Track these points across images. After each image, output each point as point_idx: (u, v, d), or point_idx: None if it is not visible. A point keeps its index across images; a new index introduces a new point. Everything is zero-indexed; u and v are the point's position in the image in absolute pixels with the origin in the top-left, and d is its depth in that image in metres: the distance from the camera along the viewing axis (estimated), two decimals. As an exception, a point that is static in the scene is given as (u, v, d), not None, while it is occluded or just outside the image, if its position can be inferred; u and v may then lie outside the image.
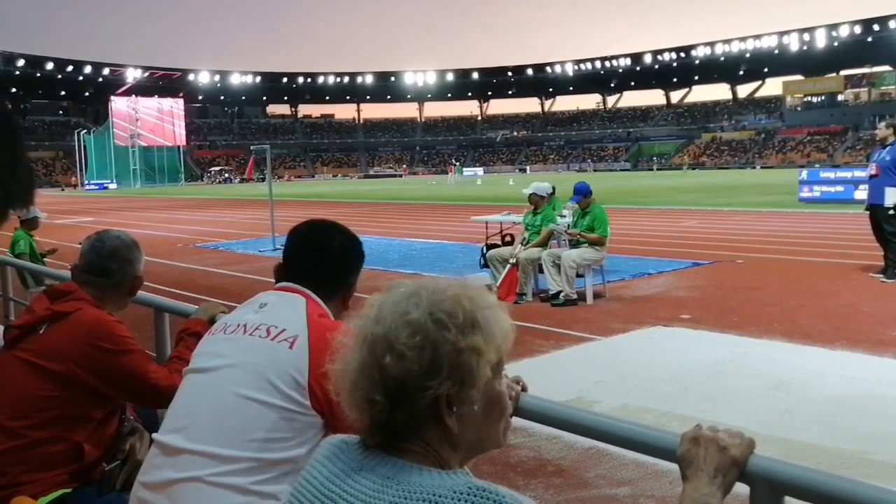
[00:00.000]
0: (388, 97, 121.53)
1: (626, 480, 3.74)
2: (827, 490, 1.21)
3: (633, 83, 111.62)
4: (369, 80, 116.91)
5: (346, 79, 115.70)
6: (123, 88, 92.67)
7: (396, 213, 26.10)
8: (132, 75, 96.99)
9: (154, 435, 1.78)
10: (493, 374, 1.16)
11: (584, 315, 7.91)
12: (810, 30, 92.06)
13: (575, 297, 8.41)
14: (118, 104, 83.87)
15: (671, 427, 1.56)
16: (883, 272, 9.38)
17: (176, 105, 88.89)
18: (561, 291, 8.39)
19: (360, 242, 2.04)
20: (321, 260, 1.93)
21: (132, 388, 2.31)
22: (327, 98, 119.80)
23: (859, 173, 20.71)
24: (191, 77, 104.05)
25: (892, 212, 9.29)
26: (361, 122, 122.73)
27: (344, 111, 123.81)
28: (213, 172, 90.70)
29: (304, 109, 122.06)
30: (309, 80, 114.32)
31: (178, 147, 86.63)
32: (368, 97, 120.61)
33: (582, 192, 8.80)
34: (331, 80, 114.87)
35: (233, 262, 13.11)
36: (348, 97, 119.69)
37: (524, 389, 1.66)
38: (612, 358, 6.28)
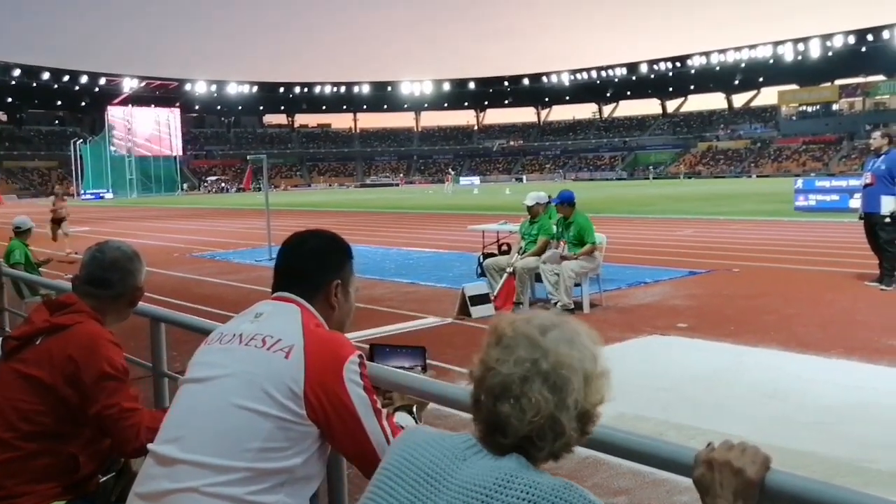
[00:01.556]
0: (385, 106, 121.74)
1: (623, 489, 3.73)
2: (821, 499, 1.21)
3: (628, 92, 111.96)
4: (366, 89, 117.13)
5: (343, 88, 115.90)
6: (120, 98, 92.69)
7: (393, 222, 26.11)
8: (129, 85, 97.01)
9: (149, 445, 1.78)
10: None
11: (580, 324, 7.89)
12: (805, 39, 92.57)
13: (572, 306, 8.42)
14: (115, 114, 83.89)
15: (668, 436, 1.56)
16: (879, 280, 9.40)
17: (172, 115, 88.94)
18: (560, 300, 8.40)
19: (341, 241, 2.02)
20: (298, 263, 1.95)
21: (98, 414, 2.21)
22: (324, 108, 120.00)
23: (854, 182, 20.77)
24: (187, 87, 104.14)
25: (887, 220, 9.32)
26: (358, 131, 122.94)
27: (340, 121, 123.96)
28: (209, 182, 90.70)
29: (301, 119, 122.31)
30: (305, 89, 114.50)
31: (175, 157, 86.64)
32: (365, 107, 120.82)
33: (566, 201, 8.81)
34: (327, 89, 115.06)
35: (229, 271, 13.09)
36: (345, 107, 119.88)
37: None
38: (611, 367, 6.26)
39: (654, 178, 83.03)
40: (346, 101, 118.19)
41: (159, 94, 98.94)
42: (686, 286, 10.15)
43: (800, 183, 25.34)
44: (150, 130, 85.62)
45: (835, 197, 22.72)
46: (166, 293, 9.84)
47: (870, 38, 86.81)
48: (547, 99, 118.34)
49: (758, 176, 78.21)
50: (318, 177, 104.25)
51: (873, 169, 9.61)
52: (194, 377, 1.80)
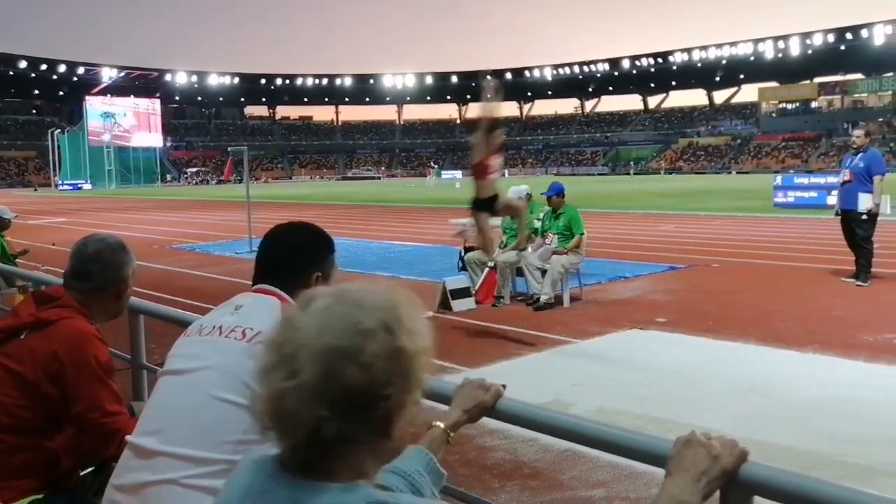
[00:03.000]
0: (367, 99, 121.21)
1: (601, 482, 3.75)
2: (796, 490, 1.23)
3: (611, 88, 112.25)
4: (348, 82, 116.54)
5: (325, 80, 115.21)
6: (99, 88, 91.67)
7: (374, 215, 26.05)
8: (108, 75, 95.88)
9: (128, 437, 1.77)
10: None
11: (561, 318, 7.95)
12: (785, 37, 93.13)
13: (554, 300, 8.45)
14: (93, 104, 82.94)
15: (647, 429, 1.58)
16: (855, 277, 9.51)
17: (152, 105, 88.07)
18: (541, 294, 8.43)
19: (323, 234, 2.02)
20: (280, 255, 1.94)
21: (80, 415, 2.18)
22: (305, 100, 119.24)
23: (832, 179, 20.97)
24: (168, 77, 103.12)
25: (864, 217, 9.43)
26: (340, 123, 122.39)
27: (322, 113, 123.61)
28: (189, 173, 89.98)
29: (282, 111, 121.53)
30: (287, 81, 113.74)
31: (155, 148, 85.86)
32: (347, 99, 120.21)
33: (557, 192, 8.90)
34: (309, 81, 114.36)
35: (209, 263, 13.01)
36: (327, 99, 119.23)
37: (499, 395, 1.67)
38: (589, 361, 6.31)
39: (635, 174, 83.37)
40: (329, 93, 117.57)
41: (139, 84, 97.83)
42: (666, 281, 10.22)
43: (779, 180, 25.55)
44: (130, 121, 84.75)
45: (813, 194, 22.92)
46: (146, 285, 9.75)
47: (849, 36, 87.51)
48: (529, 94, 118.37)
49: (738, 172, 78.72)
50: (300, 169, 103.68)
51: (852, 166, 9.71)
52: (174, 369, 1.79)
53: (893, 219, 12.66)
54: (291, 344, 1.04)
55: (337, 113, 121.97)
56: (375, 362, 1.02)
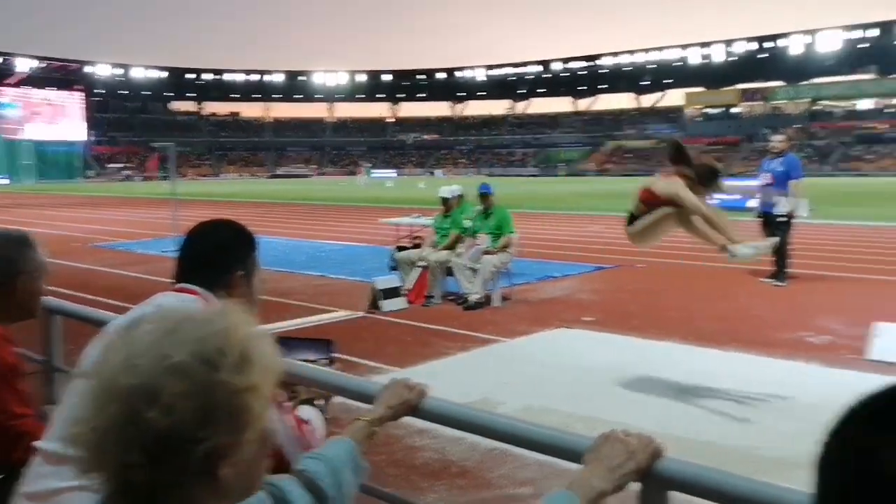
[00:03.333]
0: (298, 96, 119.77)
1: (528, 480, 3.79)
2: (708, 484, 1.28)
3: (542, 90, 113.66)
4: (278, 78, 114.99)
5: (255, 76, 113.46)
6: (16, 79, 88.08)
7: (305, 214, 25.77)
8: (24, 65, 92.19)
9: (37, 443, 1.70)
10: (267, 410, 1.01)
11: (490, 317, 8.00)
12: (709, 44, 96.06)
13: (484, 299, 8.51)
14: (7, 95, 79.63)
15: (574, 428, 1.60)
16: (773, 277, 9.86)
17: (73, 98, 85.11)
18: (472, 294, 8.47)
19: (245, 232, 2.00)
20: (202, 252, 1.91)
21: None
22: (235, 96, 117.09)
23: (752, 183, 21.64)
24: (90, 69, 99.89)
25: (783, 220, 9.79)
26: (270, 121, 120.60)
27: (252, 109, 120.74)
28: (113, 169, 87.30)
29: (210, 107, 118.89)
30: (215, 76, 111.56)
31: (76, 142, 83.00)
32: (277, 96, 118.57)
33: (487, 192, 9.00)
34: (238, 77, 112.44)
35: (133, 262, 12.65)
36: (256, 95, 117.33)
37: (423, 394, 1.67)
38: (518, 359, 6.37)
39: (565, 175, 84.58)
40: (258, 89, 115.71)
41: (59, 75, 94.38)
42: (593, 281, 10.40)
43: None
44: (49, 114, 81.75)
45: (735, 196, 23.61)
46: (64, 284, 9.42)
47: (769, 45, 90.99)
48: (462, 94, 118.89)
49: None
50: (228, 166, 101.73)
51: (771, 170, 10.06)
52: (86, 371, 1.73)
53: (811, 221, 13.18)
54: (97, 379, 0.93)
55: (267, 110, 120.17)
56: (180, 403, 0.90)
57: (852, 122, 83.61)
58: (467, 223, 9.17)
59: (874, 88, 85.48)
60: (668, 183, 5.60)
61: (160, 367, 0.91)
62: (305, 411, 1.96)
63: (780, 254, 9.87)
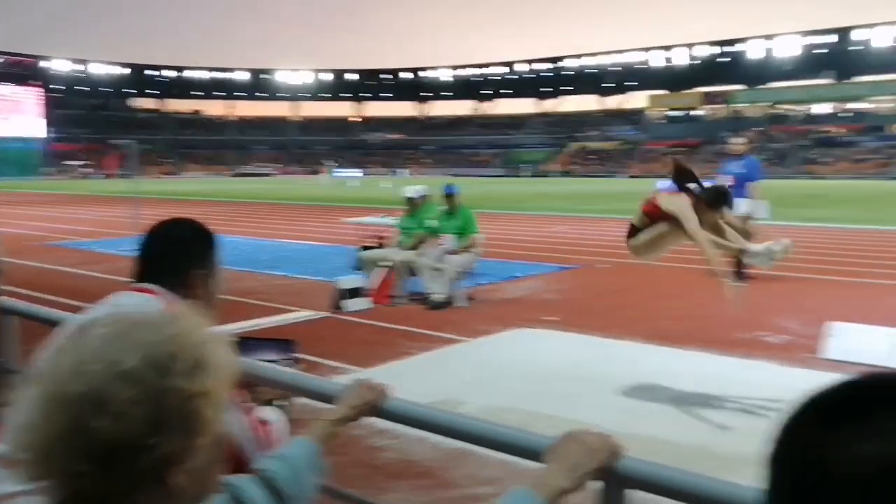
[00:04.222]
0: (262, 95, 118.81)
1: (490, 479, 3.80)
2: (665, 483, 1.30)
3: (507, 91, 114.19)
4: (243, 76, 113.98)
5: (218, 74, 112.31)
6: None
7: (268, 213, 25.55)
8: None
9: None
10: (221, 415, 0.99)
11: (453, 317, 8.02)
12: (672, 47, 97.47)
13: (448, 299, 8.52)
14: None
15: (535, 427, 1.61)
16: (732, 277, 10.01)
17: (30, 93, 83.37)
18: (436, 294, 8.48)
19: (205, 230, 1.98)
20: (161, 251, 1.89)
21: None
22: (197, 93, 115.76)
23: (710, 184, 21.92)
24: (47, 64, 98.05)
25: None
26: (233, 119, 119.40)
27: (215, 107, 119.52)
28: (72, 166, 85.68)
29: (172, 104, 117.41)
30: (178, 73, 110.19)
31: (33, 139, 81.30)
32: (241, 94, 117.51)
33: (452, 192, 9.02)
34: (201, 74, 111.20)
35: (91, 261, 12.43)
36: (220, 93, 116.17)
37: (385, 394, 1.67)
38: (480, 359, 6.39)
39: (529, 176, 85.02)
40: (221, 87, 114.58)
41: (17, 70, 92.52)
42: (556, 281, 10.47)
43: (660, 184, 26.49)
44: (4, 109, 79.97)
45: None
46: (19, 283, 9.21)
47: (730, 49, 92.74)
48: (428, 94, 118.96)
49: (627, 176, 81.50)
50: (191, 165, 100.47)
51: (732, 172, 10.23)
52: (43, 373, 1.70)
53: (771, 223, 13.40)
54: (46, 385, 0.91)
55: (231, 108, 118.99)
56: (130, 411, 0.89)
57: (809, 126, 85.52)
58: (432, 223, 9.17)
59: (831, 93, 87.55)
60: (673, 200, 5.52)
61: (110, 374, 0.90)
62: (267, 412, 1.95)
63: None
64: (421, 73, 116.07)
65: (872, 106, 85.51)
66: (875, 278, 10.76)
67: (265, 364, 2.03)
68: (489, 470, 3.89)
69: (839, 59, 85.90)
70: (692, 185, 5.56)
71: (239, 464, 1.54)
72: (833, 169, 73.68)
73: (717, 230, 5.54)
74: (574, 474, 1.26)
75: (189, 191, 43.17)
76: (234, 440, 1.67)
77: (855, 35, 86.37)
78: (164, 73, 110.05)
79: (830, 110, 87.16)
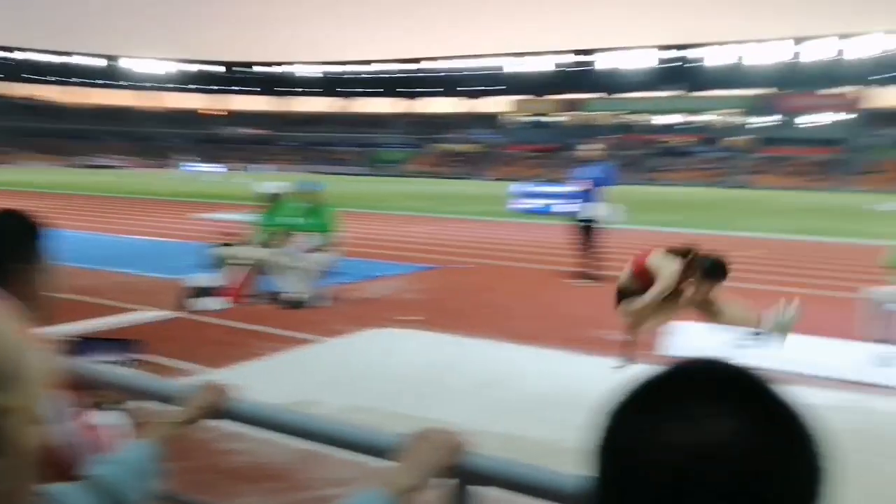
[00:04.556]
0: (114, 83, 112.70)
1: (345, 480, 3.75)
2: (505, 476, 1.35)
3: (369, 90, 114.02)
4: (86, 61, 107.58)
5: (58, 58, 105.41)
6: None
7: (115, 206, 24.22)
8: None
9: None
10: (33, 428, 0.90)
11: (312, 317, 7.89)
12: (533, 54, 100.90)
13: (306, 298, 8.37)
14: None
15: (393, 426, 1.60)
16: (584, 278, 10.46)
17: None
18: (294, 293, 8.31)
19: (32, 222, 1.78)
20: None
21: None
22: (31, 77, 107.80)
23: (561, 188, 22.67)
24: None
25: (596, 224, 10.50)
26: (77, 106, 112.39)
27: (53, 93, 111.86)
28: None
29: (2, 88, 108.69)
30: (8, 54, 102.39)
31: None
32: (87, 80, 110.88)
33: (312, 189, 8.96)
34: (38, 57, 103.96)
35: None
36: (61, 78, 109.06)
37: (227, 396, 1.61)
38: (338, 359, 6.32)
39: (389, 176, 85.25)
40: (62, 71, 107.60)
41: None
42: (415, 280, 10.52)
43: (513, 187, 27.14)
44: None
45: (545, 202, 24.62)
46: None
47: (587, 59, 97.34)
48: (288, 89, 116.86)
49: (488, 179, 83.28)
50: (26, 154, 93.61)
51: (588, 176, 10.65)
52: None
53: (626, 226, 14.02)
54: None
55: (74, 95, 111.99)
56: None
57: (660, 136, 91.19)
58: (291, 220, 8.99)
59: (681, 105, 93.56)
60: (663, 262, 5.27)
61: None
62: (102, 415, 1.83)
63: (592, 256, 10.56)
64: (283, 68, 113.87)
65: (710, 118, 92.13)
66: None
67: (101, 366, 1.90)
68: (343, 471, 3.83)
69: (690, 73, 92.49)
70: (690, 260, 5.28)
71: (65, 470, 1.43)
72: (682, 176, 79.01)
73: (707, 304, 5.30)
74: (420, 472, 1.28)
75: (25, 181, 40.21)
76: (59, 447, 1.55)
77: (699, 52, 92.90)
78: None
79: (681, 120, 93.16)
